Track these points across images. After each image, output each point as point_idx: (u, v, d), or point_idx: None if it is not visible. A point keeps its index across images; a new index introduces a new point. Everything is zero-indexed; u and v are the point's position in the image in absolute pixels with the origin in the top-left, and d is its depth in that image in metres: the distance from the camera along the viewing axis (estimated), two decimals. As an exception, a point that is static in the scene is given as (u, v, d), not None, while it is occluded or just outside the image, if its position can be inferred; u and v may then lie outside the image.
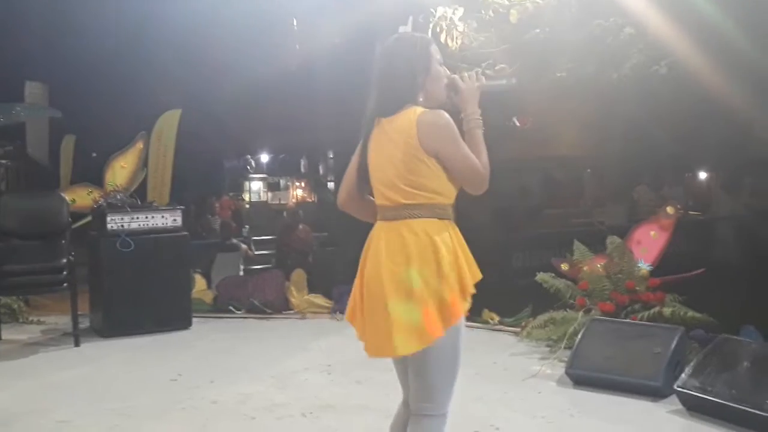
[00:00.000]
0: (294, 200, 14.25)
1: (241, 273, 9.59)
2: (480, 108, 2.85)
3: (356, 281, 2.87)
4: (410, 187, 2.72)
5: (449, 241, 2.73)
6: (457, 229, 2.81)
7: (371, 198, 2.89)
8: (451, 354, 2.72)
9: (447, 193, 2.76)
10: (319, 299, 7.47)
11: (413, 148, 2.68)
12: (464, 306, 2.70)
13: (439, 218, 2.73)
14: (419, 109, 2.72)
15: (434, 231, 2.71)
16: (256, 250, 11.98)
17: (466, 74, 2.87)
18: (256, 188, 15.51)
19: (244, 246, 10.97)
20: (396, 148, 2.73)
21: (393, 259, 2.70)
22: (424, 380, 2.72)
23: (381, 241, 2.77)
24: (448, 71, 2.90)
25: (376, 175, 2.81)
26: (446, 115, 2.71)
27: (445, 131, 2.67)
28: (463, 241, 2.82)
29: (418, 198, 2.72)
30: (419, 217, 2.72)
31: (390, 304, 2.65)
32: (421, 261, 2.67)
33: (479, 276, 2.81)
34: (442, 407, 2.73)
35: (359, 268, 2.85)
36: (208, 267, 9.16)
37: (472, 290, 2.72)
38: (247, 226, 12.59)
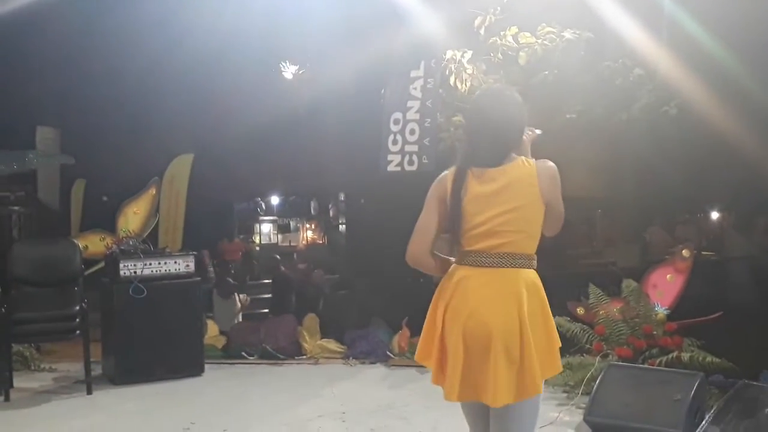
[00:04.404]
0: (304, 242, 14.22)
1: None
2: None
3: (432, 325, 2.84)
4: (518, 235, 2.77)
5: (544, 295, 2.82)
6: None
7: (438, 253, 2.91)
8: (537, 409, 2.82)
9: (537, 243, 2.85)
10: (332, 344, 7.41)
11: (533, 196, 2.75)
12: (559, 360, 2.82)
13: (534, 269, 2.83)
14: (531, 160, 2.83)
15: (539, 283, 2.81)
16: (263, 293, 11.41)
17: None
18: (266, 230, 15.50)
19: (242, 296, 10.14)
20: (510, 198, 2.75)
21: (503, 309, 2.70)
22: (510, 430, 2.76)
23: (481, 288, 2.74)
24: None
25: (476, 222, 2.78)
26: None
27: (558, 181, 2.82)
28: None
29: (521, 247, 2.78)
30: (522, 267, 2.77)
31: (495, 355, 2.66)
32: (532, 314, 2.71)
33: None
34: None
35: (437, 312, 2.83)
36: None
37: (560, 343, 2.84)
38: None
